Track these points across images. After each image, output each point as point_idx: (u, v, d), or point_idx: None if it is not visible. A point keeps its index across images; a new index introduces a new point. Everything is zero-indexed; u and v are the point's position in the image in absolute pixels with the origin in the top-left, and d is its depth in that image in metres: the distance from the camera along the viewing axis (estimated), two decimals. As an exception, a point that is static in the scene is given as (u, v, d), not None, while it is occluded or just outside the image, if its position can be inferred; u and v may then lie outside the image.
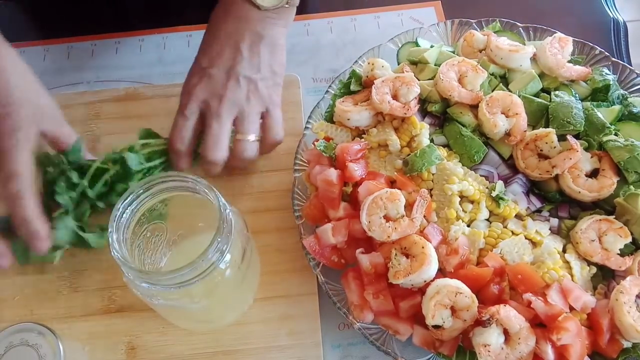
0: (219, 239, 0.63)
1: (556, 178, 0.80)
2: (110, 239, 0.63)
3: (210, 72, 0.83)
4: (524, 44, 0.91)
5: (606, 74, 0.88)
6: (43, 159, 0.80)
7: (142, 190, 0.67)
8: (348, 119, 0.84)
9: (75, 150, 0.81)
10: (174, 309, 0.70)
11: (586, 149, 0.80)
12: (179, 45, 1.08)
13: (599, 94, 0.86)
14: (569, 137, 0.79)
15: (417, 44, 0.95)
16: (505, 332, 0.69)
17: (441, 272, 0.74)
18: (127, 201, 0.66)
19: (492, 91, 0.85)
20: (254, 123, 0.84)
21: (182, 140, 0.83)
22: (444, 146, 0.83)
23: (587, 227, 0.76)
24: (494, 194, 0.78)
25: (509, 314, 0.68)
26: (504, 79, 0.89)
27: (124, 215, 0.66)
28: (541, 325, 0.70)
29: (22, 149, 0.75)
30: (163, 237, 0.77)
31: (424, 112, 0.87)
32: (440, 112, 0.86)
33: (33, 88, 0.81)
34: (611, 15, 1.10)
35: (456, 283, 0.71)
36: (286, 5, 0.85)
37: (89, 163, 0.82)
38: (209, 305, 0.71)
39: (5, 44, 0.80)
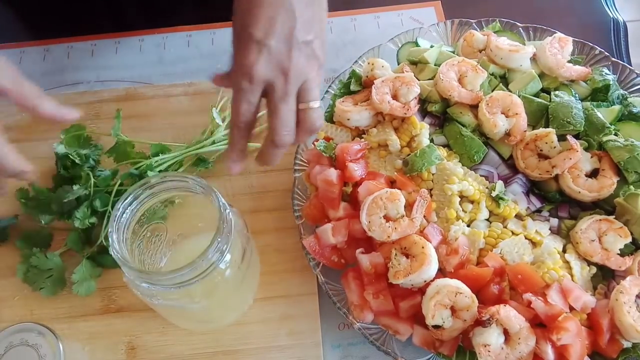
0: (219, 239, 0.63)
1: (556, 178, 0.80)
2: (110, 239, 0.63)
3: (270, 45, 0.71)
4: (524, 44, 0.91)
5: (606, 74, 0.88)
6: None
7: (142, 191, 0.67)
8: (348, 119, 0.84)
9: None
10: (174, 309, 0.70)
11: (586, 149, 0.80)
12: (179, 45, 1.07)
13: (599, 94, 0.86)
14: (569, 137, 0.79)
15: (417, 44, 0.95)
16: (505, 332, 0.69)
17: (441, 272, 0.74)
18: (127, 201, 0.66)
19: (492, 91, 0.85)
20: (317, 88, 0.75)
21: (247, 132, 0.73)
22: (444, 146, 0.83)
23: (587, 227, 0.76)
24: (494, 194, 0.78)
25: (509, 314, 0.68)
26: (504, 79, 0.89)
27: (124, 216, 0.66)
28: (541, 325, 0.70)
29: None
30: (163, 237, 0.77)
31: (424, 112, 0.87)
32: (440, 112, 0.86)
33: None
34: (611, 15, 1.10)
35: (456, 283, 0.71)
36: None
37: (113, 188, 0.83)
38: (209, 305, 0.71)
39: None
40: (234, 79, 0.72)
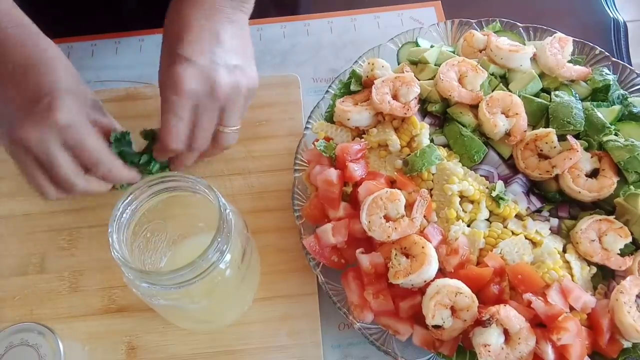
0: (219, 239, 0.63)
1: (556, 178, 0.80)
2: (110, 239, 0.63)
3: (197, 61, 0.75)
4: (524, 44, 0.91)
5: (606, 74, 0.88)
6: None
7: (142, 191, 0.67)
8: (348, 119, 0.84)
9: (127, 142, 0.82)
10: (174, 309, 0.70)
11: (586, 149, 0.80)
12: (179, 45, 1.07)
13: (599, 94, 0.86)
14: (569, 137, 0.79)
15: (417, 44, 0.95)
16: (506, 332, 0.69)
17: (441, 272, 0.74)
18: (127, 201, 0.66)
19: (492, 91, 0.85)
20: (238, 114, 0.81)
21: (179, 142, 0.78)
22: (444, 146, 0.83)
23: (587, 227, 0.76)
24: (494, 194, 0.78)
25: (509, 314, 0.68)
26: (504, 79, 0.89)
27: (124, 215, 0.66)
28: (541, 325, 0.70)
29: (89, 135, 0.74)
30: (163, 237, 0.77)
31: (424, 112, 0.87)
32: (440, 112, 0.86)
33: (77, 79, 0.79)
34: (611, 15, 1.10)
35: (456, 283, 0.71)
36: None
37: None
38: (209, 305, 0.71)
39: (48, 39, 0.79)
40: (162, 95, 0.76)
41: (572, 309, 0.70)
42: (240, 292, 0.77)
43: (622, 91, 0.87)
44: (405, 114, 0.82)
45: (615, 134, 0.81)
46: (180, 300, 0.67)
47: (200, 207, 0.68)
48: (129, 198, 0.66)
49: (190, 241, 0.78)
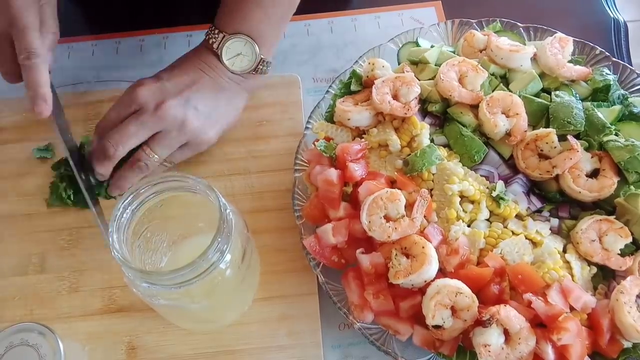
0: (219, 239, 0.63)
1: (556, 178, 0.80)
2: (110, 239, 0.63)
3: (165, 84, 0.83)
4: (525, 44, 0.91)
5: (606, 74, 0.88)
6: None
7: (142, 190, 0.67)
8: (348, 119, 0.84)
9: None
10: (175, 309, 0.70)
11: (586, 149, 0.80)
12: (179, 45, 1.07)
13: (599, 94, 0.86)
14: (569, 137, 0.79)
15: (417, 44, 0.95)
16: (506, 332, 0.69)
17: (441, 272, 0.74)
18: (127, 201, 0.66)
19: (493, 91, 0.85)
20: (168, 149, 0.83)
21: (102, 127, 0.82)
22: (444, 146, 0.83)
23: (588, 227, 0.76)
24: (494, 194, 0.78)
25: (509, 314, 0.68)
26: (505, 79, 0.89)
27: (125, 216, 0.66)
28: (541, 325, 0.70)
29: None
30: (164, 237, 0.77)
31: (424, 112, 0.87)
32: (441, 112, 0.86)
33: None
34: (611, 15, 1.10)
35: (456, 283, 0.71)
36: (253, 73, 0.87)
37: None
38: (209, 305, 0.70)
39: None
40: (122, 95, 0.83)
41: (572, 309, 0.70)
42: (241, 292, 0.77)
43: (622, 91, 0.87)
44: (406, 114, 0.82)
45: (616, 134, 0.81)
46: (181, 300, 0.67)
47: (201, 207, 0.68)
48: (130, 198, 0.66)
49: (190, 241, 0.78)
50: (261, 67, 0.87)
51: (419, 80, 0.86)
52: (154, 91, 0.82)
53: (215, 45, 0.85)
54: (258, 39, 0.85)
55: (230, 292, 0.73)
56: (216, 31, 0.85)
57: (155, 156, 0.82)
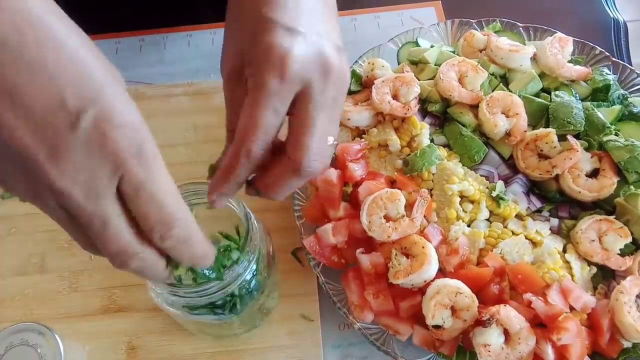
0: (248, 249, 0.61)
1: (556, 178, 0.80)
2: None
3: (304, 32, 0.51)
4: (524, 44, 0.91)
5: (606, 74, 0.87)
6: None
7: None
8: (348, 119, 0.84)
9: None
10: (198, 322, 0.69)
11: (586, 149, 0.80)
12: (179, 45, 1.07)
13: (599, 94, 0.86)
14: (569, 137, 0.79)
15: (417, 44, 0.95)
16: (506, 332, 0.69)
17: (441, 272, 0.74)
18: None
19: (492, 91, 0.85)
20: (338, 112, 0.55)
21: (258, 157, 0.52)
22: (444, 146, 0.83)
23: (587, 227, 0.76)
24: (494, 194, 0.78)
25: (509, 314, 0.68)
26: (504, 79, 0.89)
27: None
28: (541, 325, 0.70)
29: (159, 173, 0.45)
30: None
31: (424, 112, 0.87)
32: (441, 112, 0.86)
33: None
34: (611, 15, 1.10)
35: (456, 283, 0.71)
36: None
37: None
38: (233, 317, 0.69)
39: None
40: (255, 78, 0.50)
41: (572, 309, 0.70)
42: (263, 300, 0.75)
43: (622, 91, 0.87)
44: (406, 114, 0.82)
45: (616, 134, 0.81)
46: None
47: (217, 217, 0.66)
48: None
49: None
50: None
51: (419, 80, 0.86)
52: (306, 52, 0.51)
53: None
54: None
55: (253, 302, 0.70)
56: None
57: (331, 138, 0.54)
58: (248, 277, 0.64)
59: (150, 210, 0.44)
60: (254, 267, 0.64)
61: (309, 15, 0.52)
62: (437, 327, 0.71)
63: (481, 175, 0.81)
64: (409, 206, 0.76)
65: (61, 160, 0.40)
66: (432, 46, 0.93)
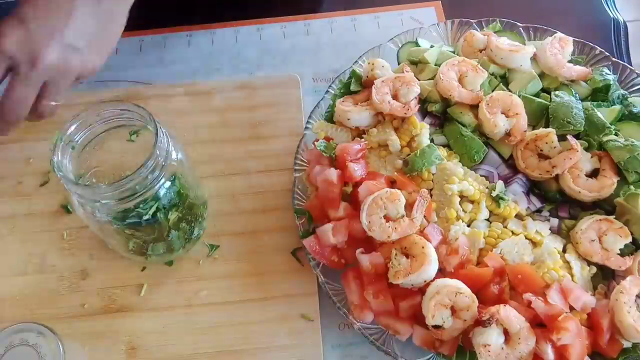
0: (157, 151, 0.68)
1: (556, 178, 0.80)
2: (55, 157, 0.68)
3: (30, 27, 0.72)
4: (524, 44, 0.91)
5: (606, 74, 0.88)
6: None
7: (91, 115, 0.72)
8: (348, 119, 0.84)
9: None
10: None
11: (586, 149, 0.80)
12: (179, 45, 1.08)
13: (599, 94, 0.86)
14: (569, 137, 0.79)
15: (417, 44, 0.95)
16: (505, 332, 0.69)
17: (441, 272, 0.74)
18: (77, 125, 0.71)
19: (492, 91, 0.85)
20: (63, 91, 0.80)
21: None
22: (444, 146, 0.83)
23: (587, 227, 0.76)
24: (494, 194, 0.78)
25: (509, 314, 0.68)
26: (504, 79, 0.89)
27: (76, 139, 0.72)
28: (541, 325, 0.70)
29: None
30: (106, 182, 0.77)
31: (424, 112, 0.87)
32: (441, 112, 0.86)
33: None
34: (611, 15, 1.10)
35: (456, 283, 0.71)
36: None
37: None
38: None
39: None
40: None
41: (572, 309, 0.70)
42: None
43: (622, 91, 0.87)
44: (405, 114, 0.82)
45: (616, 134, 0.81)
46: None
47: (139, 151, 0.71)
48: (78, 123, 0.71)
49: None
50: None
51: (419, 80, 0.86)
52: (19, 42, 0.73)
53: None
54: None
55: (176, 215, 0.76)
56: None
57: (52, 103, 0.80)
58: (161, 180, 0.70)
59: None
60: (164, 170, 0.70)
61: (50, 19, 0.73)
62: (437, 327, 0.71)
63: (481, 175, 0.81)
64: (409, 206, 0.76)
65: None
66: (432, 46, 0.93)
